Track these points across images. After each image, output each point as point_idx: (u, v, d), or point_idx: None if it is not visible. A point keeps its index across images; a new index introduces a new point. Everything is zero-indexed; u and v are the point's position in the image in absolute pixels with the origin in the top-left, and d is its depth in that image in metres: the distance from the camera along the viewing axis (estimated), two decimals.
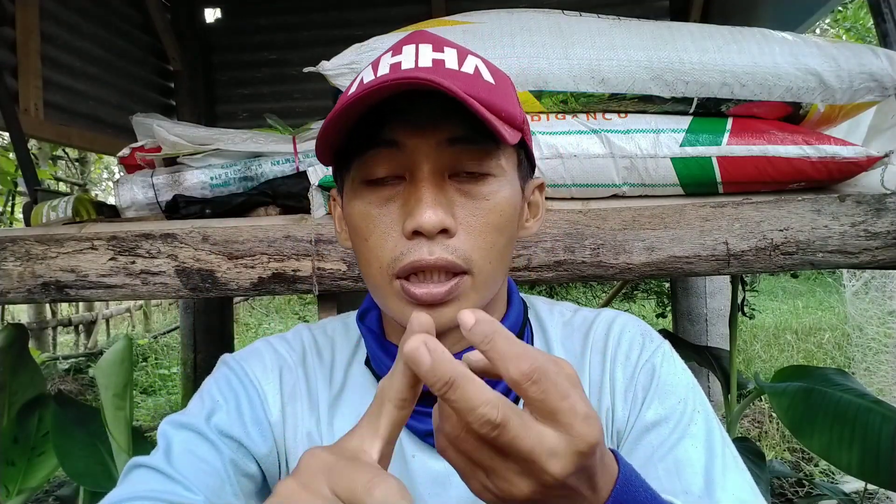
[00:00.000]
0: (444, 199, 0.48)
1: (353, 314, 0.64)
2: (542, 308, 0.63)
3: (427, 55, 0.49)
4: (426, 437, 0.55)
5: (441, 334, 0.50)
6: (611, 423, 0.55)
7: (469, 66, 0.49)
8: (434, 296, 0.48)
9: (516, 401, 0.49)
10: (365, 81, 0.48)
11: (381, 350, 0.56)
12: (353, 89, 0.50)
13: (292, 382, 0.59)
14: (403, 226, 0.48)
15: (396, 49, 0.50)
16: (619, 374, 0.56)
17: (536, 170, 0.85)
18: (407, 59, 0.48)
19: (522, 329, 0.58)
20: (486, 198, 0.49)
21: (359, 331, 0.60)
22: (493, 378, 0.39)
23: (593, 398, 0.56)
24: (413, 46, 0.50)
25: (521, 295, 0.64)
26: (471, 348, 0.52)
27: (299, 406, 0.58)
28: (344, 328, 0.64)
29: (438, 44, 0.50)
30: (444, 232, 0.47)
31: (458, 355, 0.52)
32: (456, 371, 0.31)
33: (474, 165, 0.49)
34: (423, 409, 0.53)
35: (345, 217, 0.54)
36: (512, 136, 0.47)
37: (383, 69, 0.48)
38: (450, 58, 0.49)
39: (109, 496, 0.50)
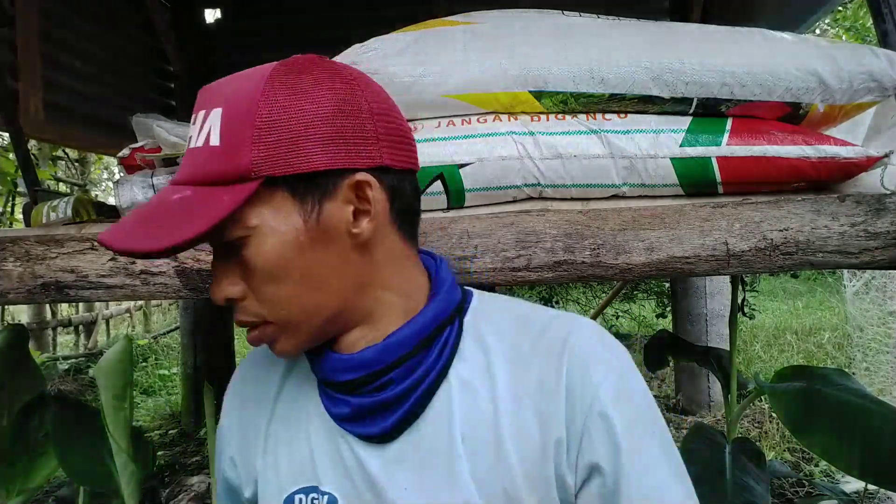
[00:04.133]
0: (225, 274, 0.54)
1: None
2: (485, 305, 0.64)
3: (202, 132, 0.53)
4: (340, 421, 0.59)
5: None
6: (555, 428, 0.55)
7: (202, 136, 0.53)
8: (252, 338, 0.56)
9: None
10: (189, 146, 0.55)
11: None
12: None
13: (253, 392, 0.68)
14: None
15: (196, 110, 0.55)
16: (575, 385, 0.55)
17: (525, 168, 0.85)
18: (194, 136, 0.54)
19: (438, 331, 0.58)
20: (249, 260, 0.52)
21: None
22: None
23: (540, 399, 0.56)
24: (200, 114, 0.54)
25: (470, 290, 0.65)
26: (371, 349, 0.57)
27: (257, 410, 0.67)
28: None
29: (208, 106, 0.54)
30: (234, 300, 0.54)
31: (363, 353, 0.57)
32: None
33: (225, 243, 0.53)
34: (336, 395, 0.59)
35: None
36: (241, 193, 0.50)
37: (191, 138, 0.55)
38: (202, 132, 0.53)
39: None
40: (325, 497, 0.59)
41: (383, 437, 0.57)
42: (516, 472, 0.54)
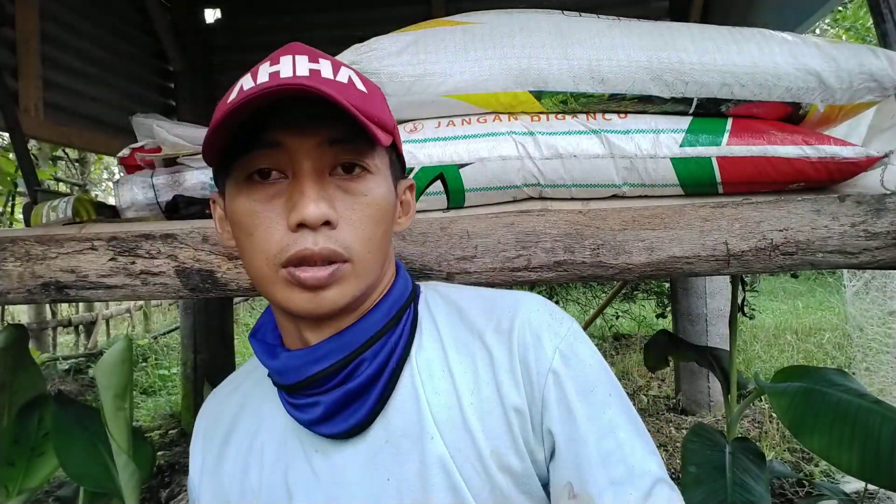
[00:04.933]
0: (325, 194, 0.52)
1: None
2: (435, 291, 0.66)
3: (304, 65, 0.53)
4: (312, 426, 0.57)
5: (320, 317, 0.55)
6: (513, 398, 0.56)
7: (343, 76, 0.54)
8: (318, 279, 0.52)
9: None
10: (245, 89, 0.52)
11: (268, 357, 0.60)
12: (232, 96, 0.54)
13: (213, 428, 0.68)
14: (288, 219, 0.52)
15: (274, 59, 0.55)
16: (529, 357, 0.56)
17: (540, 170, 0.85)
18: (285, 69, 0.53)
19: (401, 312, 0.60)
20: (364, 193, 0.54)
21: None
22: None
23: (496, 374, 0.57)
24: (290, 57, 0.54)
25: (420, 282, 0.67)
26: (348, 331, 0.57)
27: (221, 445, 0.66)
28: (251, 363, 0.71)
29: (314, 55, 0.55)
30: (327, 224, 0.52)
31: (336, 337, 0.57)
32: None
33: (351, 164, 0.54)
34: (305, 401, 0.58)
35: (228, 216, 0.58)
36: (385, 138, 0.53)
37: (262, 77, 0.52)
38: (325, 68, 0.54)
39: None
40: None
41: (358, 430, 0.57)
42: (483, 449, 0.55)
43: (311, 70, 0.53)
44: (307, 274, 0.51)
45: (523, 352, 0.56)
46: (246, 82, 0.53)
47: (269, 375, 0.61)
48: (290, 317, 0.58)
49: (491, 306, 0.61)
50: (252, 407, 0.65)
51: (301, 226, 0.51)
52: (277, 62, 0.54)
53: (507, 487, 0.54)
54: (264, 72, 0.53)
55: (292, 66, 0.53)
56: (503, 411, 0.55)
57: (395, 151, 0.61)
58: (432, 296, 0.65)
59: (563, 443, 0.53)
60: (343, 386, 0.56)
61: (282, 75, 0.52)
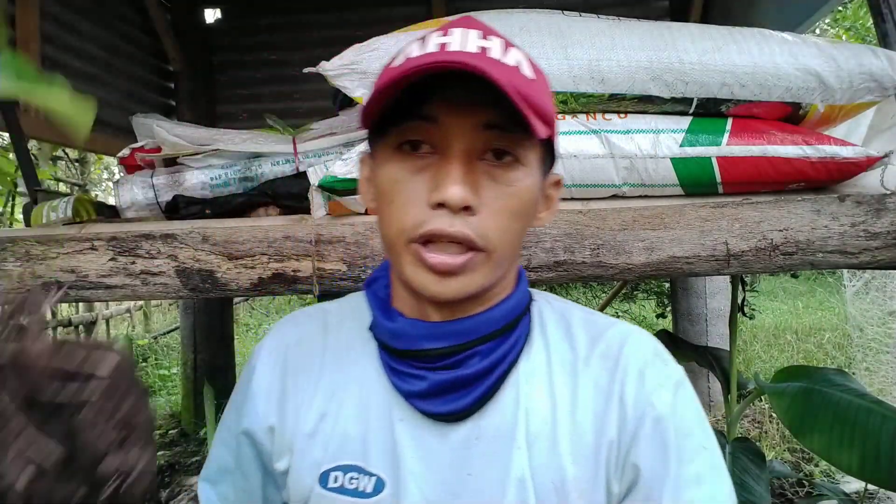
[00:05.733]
0: (471, 179, 0.50)
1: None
2: (548, 303, 0.64)
3: (474, 41, 0.51)
4: (411, 398, 0.56)
5: (443, 302, 0.53)
6: (609, 430, 0.55)
7: (511, 58, 0.51)
8: (448, 266, 0.50)
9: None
10: (412, 56, 0.51)
11: (382, 314, 0.59)
12: (398, 60, 0.52)
13: (297, 358, 0.63)
14: (430, 196, 0.50)
15: (445, 29, 0.52)
16: (629, 389, 0.55)
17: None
18: (454, 42, 0.50)
19: (520, 317, 0.59)
20: (511, 184, 0.52)
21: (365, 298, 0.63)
22: None
23: (595, 400, 0.56)
24: (461, 30, 0.52)
25: (532, 290, 0.65)
26: (470, 319, 0.55)
27: (302, 379, 0.62)
28: (358, 299, 0.67)
29: (486, 31, 0.53)
30: (467, 209, 0.50)
31: (457, 322, 0.55)
32: None
33: (503, 152, 0.52)
34: (409, 370, 0.56)
35: (374, 180, 0.57)
36: (543, 130, 0.49)
37: (431, 47, 0.51)
38: (494, 47, 0.51)
39: None
40: (372, 479, 0.56)
41: (455, 417, 0.56)
42: (568, 472, 0.54)
43: (480, 47, 0.51)
44: (436, 259, 0.50)
45: (625, 384, 0.55)
46: (413, 50, 0.52)
47: (373, 331, 0.60)
48: (411, 289, 0.56)
49: (600, 332, 0.60)
50: (341, 356, 0.62)
51: (441, 205, 0.49)
52: (448, 33, 0.52)
53: None
54: (432, 42, 0.51)
55: (462, 39, 0.51)
56: (595, 439, 0.55)
57: (548, 144, 0.58)
58: (545, 306, 0.63)
59: (647, 480, 0.53)
60: (453, 371, 0.55)
61: (450, 48, 0.50)
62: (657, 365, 0.57)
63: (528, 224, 0.56)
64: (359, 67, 0.92)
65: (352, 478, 0.57)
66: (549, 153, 0.57)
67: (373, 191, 0.57)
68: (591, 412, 0.56)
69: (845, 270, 3.03)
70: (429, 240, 0.50)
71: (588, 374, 0.57)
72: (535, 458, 0.55)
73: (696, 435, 0.55)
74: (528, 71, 0.52)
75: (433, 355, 0.55)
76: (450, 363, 0.55)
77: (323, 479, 0.57)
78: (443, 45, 0.50)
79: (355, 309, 0.65)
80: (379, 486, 0.56)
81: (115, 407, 0.38)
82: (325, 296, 0.99)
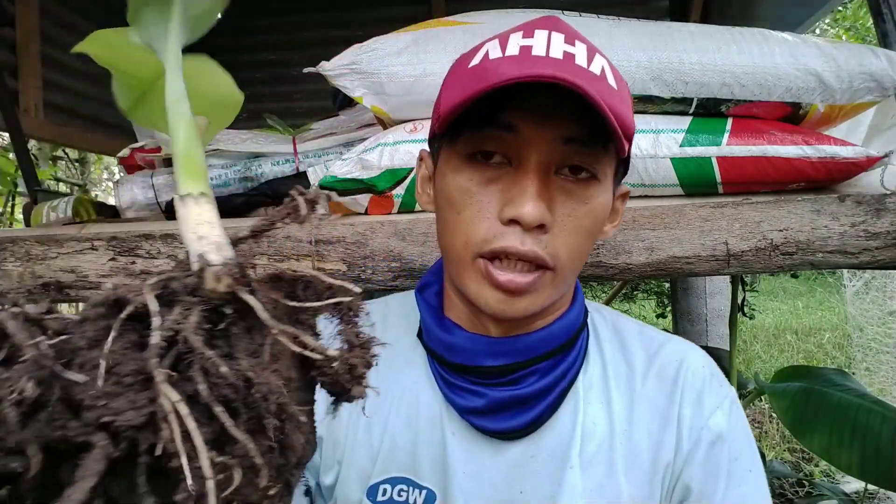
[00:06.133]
0: (546, 195, 0.48)
1: (411, 292, 0.63)
2: (601, 315, 0.63)
3: (558, 46, 0.48)
4: (466, 414, 0.54)
5: (506, 320, 0.52)
6: (666, 453, 0.55)
7: (596, 66, 0.48)
8: (518, 284, 0.48)
9: None
10: (490, 57, 0.48)
11: (437, 324, 0.56)
12: (475, 59, 0.50)
13: None
14: (502, 210, 0.48)
15: (528, 30, 0.50)
16: (686, 411, 0.55)
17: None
18: (538, 45, 0.48)
19: (579, 332, 0.58)
20: (586, 201, 0.50)
21: (416, 304, 0.60)
22: None
23: (651, 420, 0.55)
24: (546, 32, 0.49)
25: (587, 302, 0.63)
26: (531, 336, 0.54)
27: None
28: (402, 301, 0.64)
29: (570, 35, 0.50)
30: (541, 227, 0.48)
31: (518, 339, 0.54)
32: None
33: (580, 168, 0.49)
34: (465, 385, 0.54)
35: (437, 185, 0.54)
36: (625, 148, 0.48)
37: (512, 49, 0.48)
38: (580, 53, 0.48)
39: None
40: (423, 492, 0.55)
41: (512, 435, 0.54)
42: (623, 494, 0.53)
43: (565, 53, 0.47)
44: (505, 277, 0.48)
45: (682, 404, 0.55)
46: (492, 49, 0.49)
47: (424, 340, 0.58)
48: (471, 302, 0.53)
49: (656, 349, 0.59)
50: (387, 362, 0.57)
51: (513, 222, 0.47)
52: (531, 35, 0.49)
53: None
54: (514, 43, 0.49)
55: (546, 44, 0.48)
56: (652, 459, 0.54)
57: (624, 158, 0.55)
58: (598, 318, 0.62)
59: (696, 500, 0.53)
60: (511, 388, 0.53)
61: (534, 52, 0.47)
62: (713, 387, 0.57)
63: (596, 240, 0.54)
64: (358, 67, 0.92)
65: (401, 490, 0.55)
66: (622, 165, 0.55)
67: (431, 192, 0.56)
68: (647, 431, 0.55)
69: (845, 270, 3.03)
70: (497, 256, 0.48)
71: (644, 393, 0.56)
72: (589, 479, 0.54)
73: (745, 457, 0.55)
74: (612, 80, 0.49)
75: (493, 372, 0.53)
76: (508, 380, 0.53)
77: (371, 492, 0.56)
78: (526, 49, 0.48)
79: (399, 312, 0.63)
80: (430, 500, 0.55)
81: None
82: None
